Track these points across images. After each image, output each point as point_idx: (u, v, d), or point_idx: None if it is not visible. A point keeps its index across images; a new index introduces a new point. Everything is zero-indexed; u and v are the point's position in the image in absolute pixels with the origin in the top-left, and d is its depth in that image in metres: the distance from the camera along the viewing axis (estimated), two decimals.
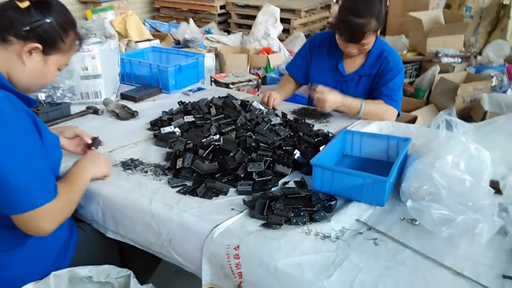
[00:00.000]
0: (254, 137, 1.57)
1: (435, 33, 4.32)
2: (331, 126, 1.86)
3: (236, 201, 1.32)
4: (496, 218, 1.13)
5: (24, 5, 1.15)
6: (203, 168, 1.43)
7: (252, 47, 4.56)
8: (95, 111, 1.96)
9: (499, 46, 4.33)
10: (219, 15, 6.09)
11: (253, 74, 3.88)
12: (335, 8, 6.04)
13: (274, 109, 1.97)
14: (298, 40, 4.97)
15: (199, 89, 2.31)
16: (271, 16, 4.88)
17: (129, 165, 1.51)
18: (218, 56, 4.17)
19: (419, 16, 4.50)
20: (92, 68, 2.04)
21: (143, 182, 1.41)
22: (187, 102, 1.96)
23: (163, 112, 1.93)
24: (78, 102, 2.03)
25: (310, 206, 1.25)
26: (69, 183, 1.26)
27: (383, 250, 1.11)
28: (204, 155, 1.49)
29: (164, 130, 1.69)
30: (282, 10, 5.16)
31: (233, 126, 1.66)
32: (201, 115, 1.78)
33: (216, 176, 1.42)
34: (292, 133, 1.66)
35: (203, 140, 1.56)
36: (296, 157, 1.49)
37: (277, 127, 1.65)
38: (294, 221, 1.19)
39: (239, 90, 3.00)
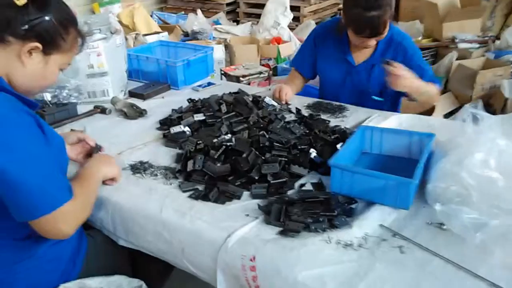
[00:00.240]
0: (267, 136, 1.50)
1: (452, 18, 4.15)
2: (347, 121, 1.78)
3: (251, 206, 1.25)
4: None
5: (21, 2, 1.07)
6: (215, 170, 1.36)
7: (262, 37, 4.46)
8: (103, 111, 1.90)
9: None
10: (227, 4, 5.97)
11: (264, 65, 3.79)
12: None
13: (287, 104, 1.89)
14: (309, 29, 4.82)
15: (209, 84, 2.24)
16: (280, 5, 4.75)
17: (138, 168, 1.45)
18: (227, 47, 4.08)
19: (434, 0, 4.33)
20: (98, 65, 1.97)
21: (153, 187, 1.35)
22: (196, 99, 1.89)
23: (172, 110, 1.86)
24: (85, 102, 1.97)
25: (330, 211, 1.17)
26: (82, 183, 1.21)
27: (410, 259, 1.03)
28: (216, 156, 1.42)
29: (173, 130, 1.62)
30: None
31: (245, 125, 1.59)
32: (212, 113, 1.71)
33: (229, 179, 1.35)
34: (307, 131, 1.58)
35: (214, 141, 1.49)
36: (312, 156, 1.42)
37: (291, 125, 1.57)
38: (313, 227, 1.12)
39: (249, 84, 2.92)
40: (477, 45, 4.04)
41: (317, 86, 2.29)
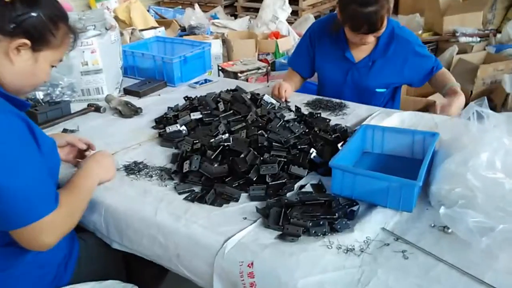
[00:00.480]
0: (266, 135, 1.45)
1: (452, 11, 4.11)
2: (348, 119, 1.74)
3: (249, 209, 1.21)
4: None
5: None
6: (212, 171, 1.32)
7: (260, 31, 4.40)
8: (97, 109, 1.86)
9: None
10: None
11: (262, 60, 3.74)
12: None
13: (286, 101, 1.85)
14: (307, 23, 4.77)
15: (206, 81, 2.19)
16: None
17: (133, 169, 1.41)
18: (225, 42, 4.03)
19: None
20: (93, 62, 1.93)
21: (147, 189, 1.31)
22: (193, 97, 1.84)
23: (168, 108, 1.82)
24: (79, 100, 1.93)
25: (330, 214, 1.13)
26: (72, 190, 1.16)
27: (413, 264, 1.00)
28: (212, 157, 1.38)
29: (169, 129, 1.58)
30: None
31: (243, 124, 1.54)
32: (209, 112, 1.66)
33: (226, 180, 1.31)
34: (307, 130, 1.53)
35: (212, 140, 1.45)
36: (312, 156, 1.37)
37: (291, 124, 1.53)
38: (313, 231, 1.08)
39: (247, 80, 2.87)
40: (478, 39, 4.00)
41: (316, 82, 2.25)
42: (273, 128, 1.50)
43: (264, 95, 1.75)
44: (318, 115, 1.68)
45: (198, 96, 1.83)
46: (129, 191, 1.30)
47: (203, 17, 4.68)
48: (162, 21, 4.57)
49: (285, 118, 1.57)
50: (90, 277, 1.21)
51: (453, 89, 1.84)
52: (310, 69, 2.10)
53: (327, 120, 1.65)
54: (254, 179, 1.29)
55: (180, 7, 5.58)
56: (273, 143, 1.41)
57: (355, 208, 1.18)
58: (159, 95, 2.04)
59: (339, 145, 1.42)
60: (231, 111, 1.64)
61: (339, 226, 1.10)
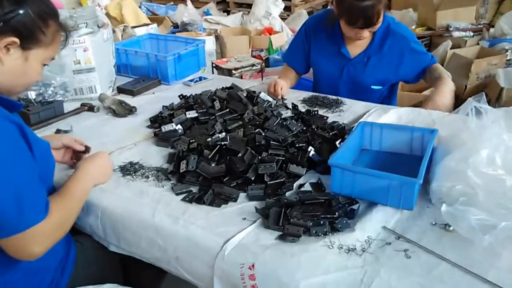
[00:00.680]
0: (263, 134, 1.44)
1: (446, 6, 4.10)
2: (345, 116, 1.72)
3: (247, 209, 1.19)
4: None
5: None
6: (209, 171, 1.30)
7: (253, 28, 4.37)
8: (90, 108, 1.83)
9: None
10: None
11: (255, 56, 3.72)
12: None
13: (283, 98, 1.83)
14: (301, 19, 4.76)
15: (201, 78, 2.16)
16: None
17: (129, 169, 1.39)
18: (218, 39, 3.99)
19: None
20: (85, 61, 1.89)
21: (144, 190, 1.29)
22: (188, 95, 1.82)
23: (163, 106, 1.79)
24: (72, 99, 1.89)
25: (331, 213, 1.12)
26: (64, 196, 1.13)
27: (416, 263, 0.99)
28: (210, 156, 1.36)
29: (165, 128, 1.55)
30: None
31: (240, 122, 1.52)
32: (205, 110, 1.64)
33: (224, 180, 1.29)
34: (304, 127, 1.52)
35: (208, 140, 1.43)
36: (310, 155, 1.36)
37: (288, 122, 1.51)
38: (314, 231, 1.07)
39: (241, 77, 2.85)
40: (472, 34, 4.00)
41: (311, 78, 2.23)
42: (270, 126, 1.48)
43: (260, 92, 1.73)
44: (315, 112, 1.67)
45: (193, 94, 1.81)
46: (126, 193, 1.28)
47: (196, 14, 4.63)
48: (154, 18, 4.52)
49: (282, 116, 1.56)
50: (87, 281, 1.19)
51: (438, 76, 1.83)
52: (306, 65, 2.08)
53: (325, 118, 1.64)
54: (252, 178, 1.27)
55: (172, 3, 5.52)
56: (271, 142, 1.39)
57: (355, 206, 1.17)
58: (153, 93, 2.02)
59: (337, 142, 1.41)
60: (227, 110, 1.62)
61: (340, 226, 1.08)
